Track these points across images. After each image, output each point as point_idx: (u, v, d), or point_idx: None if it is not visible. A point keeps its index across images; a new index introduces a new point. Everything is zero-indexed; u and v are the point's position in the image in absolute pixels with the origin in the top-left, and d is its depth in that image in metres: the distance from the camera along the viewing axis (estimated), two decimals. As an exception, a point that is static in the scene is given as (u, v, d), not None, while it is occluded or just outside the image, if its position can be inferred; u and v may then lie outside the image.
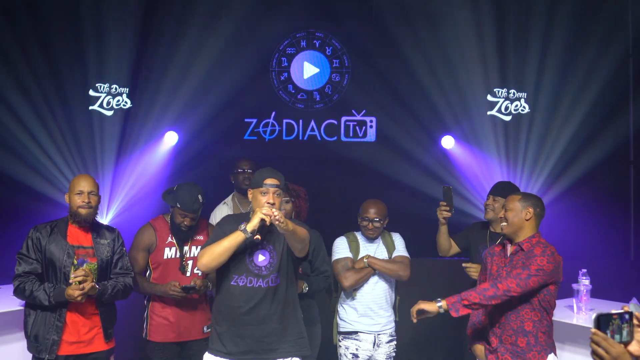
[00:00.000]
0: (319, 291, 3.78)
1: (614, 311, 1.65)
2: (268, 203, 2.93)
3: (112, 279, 3.40)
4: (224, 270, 3.05)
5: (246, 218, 3.01)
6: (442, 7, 5.97)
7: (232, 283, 3.04)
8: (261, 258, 3.06)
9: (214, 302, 3.21)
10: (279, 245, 3.10)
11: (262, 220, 2.84)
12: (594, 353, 1.64)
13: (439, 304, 3.02)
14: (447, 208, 3.94)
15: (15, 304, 3.69)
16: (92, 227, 3.41)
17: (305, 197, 3.79)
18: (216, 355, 3.09)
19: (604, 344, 1.62)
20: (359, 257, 3.79)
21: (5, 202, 5.41)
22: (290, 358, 3.10)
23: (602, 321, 1.64)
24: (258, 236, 2.90)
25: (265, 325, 3.05)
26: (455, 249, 4.13)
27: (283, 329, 3.08)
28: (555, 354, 3.16)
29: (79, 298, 3.15)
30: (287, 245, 3.05)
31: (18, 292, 3.24)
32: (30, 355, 3.29)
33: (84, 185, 3.36)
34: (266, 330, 3.05)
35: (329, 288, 3.91)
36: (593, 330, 1.64)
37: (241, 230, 2.89)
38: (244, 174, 4.34)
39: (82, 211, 3.33)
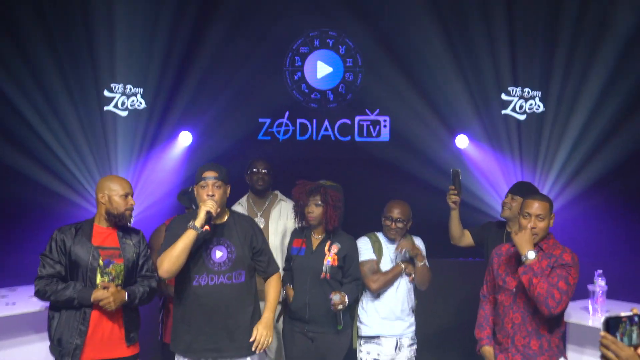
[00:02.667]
0: (353, 299, 3.69)
1: (623, 314, 1.63)
2: (208, 195, 3.06)
3: (137, 282, 3.33)
4: (184, 273, 3.09)
5: (193, 216, 3.08)
6: (455, 6, 5.93)
7: (194, 284, 3.09)
8: (219, 254, 3.11)
9: (174, 306, 3.22)
10: (236, 239, 3.15)
11: (208, 212, 2.98)
12: (603, 357, 1.63)
13: (530, 256, 3.00)
14: (456, 192, 3.92)
15: (36, 306, 3.71)
16: (119, 227, 3.35)
17: (333, 203, 3.69)
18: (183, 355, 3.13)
19: (614, 347, 1.61)
20: (382, 258, 3.75)
21: (21, 203, 5.47)
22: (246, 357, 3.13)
23: (612, 324, 1.63)
24: (207, 227, 3.00)
25: (230, 320, 3.09)
26: (468, 239, 4.08)
27: (248, 325, 3.13)
28: (566, 358, 3.14)
29: (107, 305, 3.13)
30: (245, 238, 3.15)
31: (40, 294, 3.15)
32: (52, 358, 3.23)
33: (129, 187, 3.35)
34: (231, 327, 3.09)
35: None
36: (602, 333, 1.63)
37: (191, 227, 2.98)
38: (258, 174, 4.32)
39: (129, 214, 3.33)
